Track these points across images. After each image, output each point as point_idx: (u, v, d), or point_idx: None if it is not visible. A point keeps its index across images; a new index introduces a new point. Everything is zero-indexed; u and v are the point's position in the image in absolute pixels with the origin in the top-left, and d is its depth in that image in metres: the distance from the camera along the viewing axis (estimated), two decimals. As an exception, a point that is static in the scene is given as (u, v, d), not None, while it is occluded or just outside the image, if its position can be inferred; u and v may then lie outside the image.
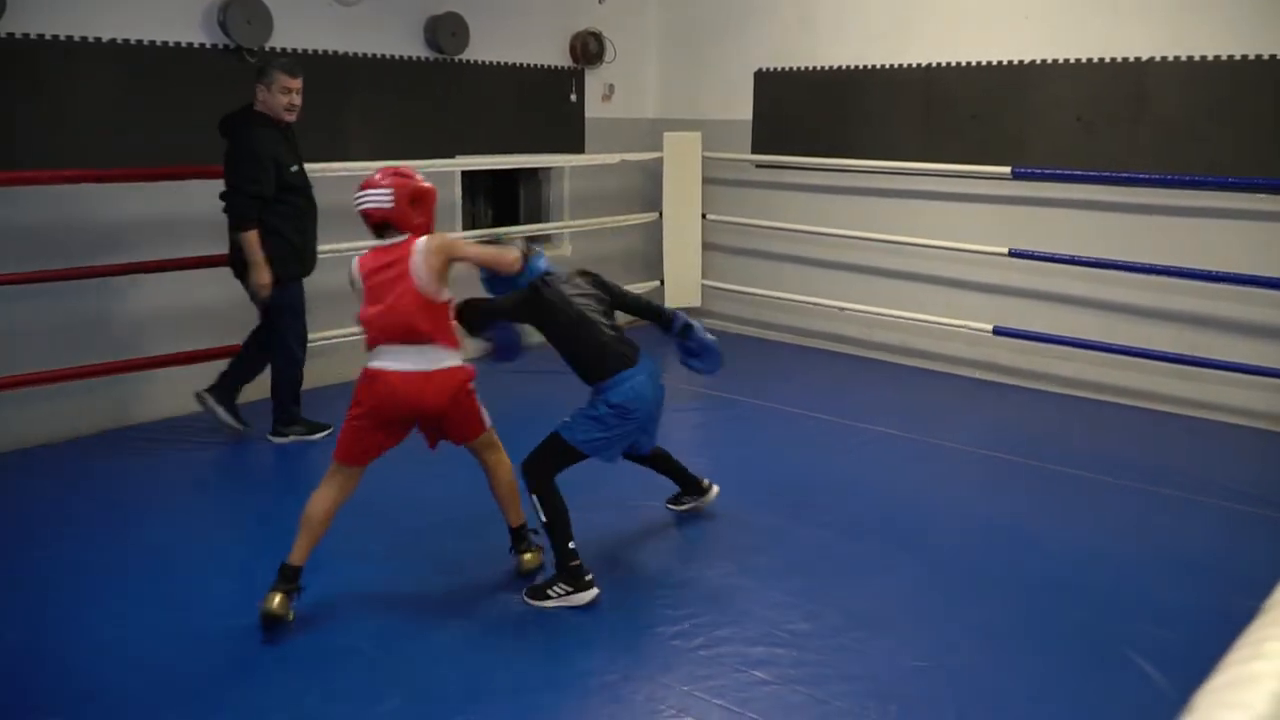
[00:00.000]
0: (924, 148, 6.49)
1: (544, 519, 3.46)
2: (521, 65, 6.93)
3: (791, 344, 7.34)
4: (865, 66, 6.76)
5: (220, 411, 4.99)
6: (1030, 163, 6.02)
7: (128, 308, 5.22)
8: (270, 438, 5.04)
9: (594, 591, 3.42)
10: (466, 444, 3.52)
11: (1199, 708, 0.89)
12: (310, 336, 5.12)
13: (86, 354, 4.95)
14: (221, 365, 5.20)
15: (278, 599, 3.21)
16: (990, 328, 6.22)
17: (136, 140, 5.08)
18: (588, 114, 7.44)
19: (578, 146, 7.39)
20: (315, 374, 5.20)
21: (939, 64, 6.42)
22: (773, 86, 7.26)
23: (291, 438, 5.03)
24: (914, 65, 6.53)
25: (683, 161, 7.42)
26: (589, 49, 7.24)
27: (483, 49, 6.62)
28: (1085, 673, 3.11)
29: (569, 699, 2.97)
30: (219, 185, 4.77)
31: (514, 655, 3.17)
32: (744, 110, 7.42)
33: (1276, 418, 5.47)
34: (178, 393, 5.37)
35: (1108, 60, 5.76)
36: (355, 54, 5.97)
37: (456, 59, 6.48)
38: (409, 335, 3.25)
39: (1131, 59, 5.67)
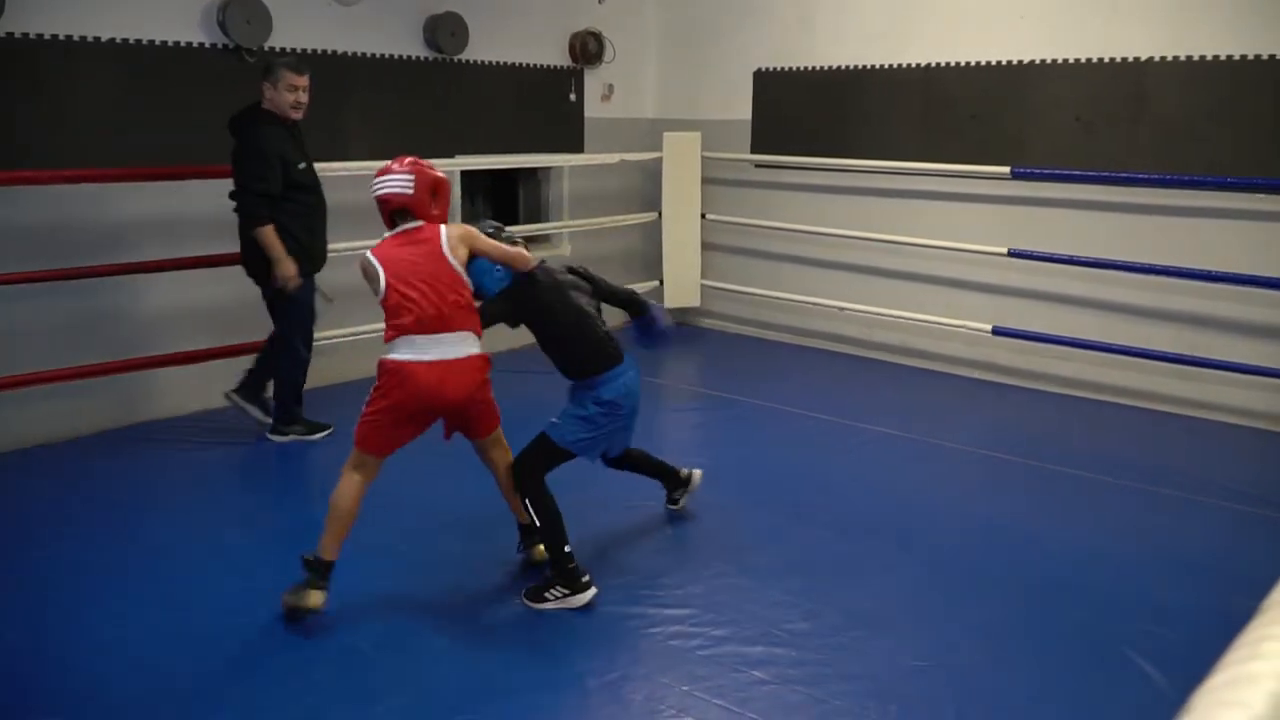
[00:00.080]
0: (923, 148, 6.49)
1: (538, 522, 3.45)
2: (521, 65, 6.93)
3: (791, 344, 7.35)
4: (864, 66, 6.76)
5: (252, 409, 5.06)
6: (1029, 163, 6.02)
7: (127, 307, 5.22)
8: (270, 437, 5.04)
9: (592, 592, 3.42)
10: (478, 440, 3.51)
11: (1197, 707, 0.89)
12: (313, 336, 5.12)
13: (86, 354, 4.95)
14: (221, 365, 5.21)
15: (316, 595, 3.22)
16: (989, 328, 6.22)
17: (136, 140, 5.08)
18: (587, 114, 7.44)
19: (577, 146, 7.39)
20: (316, 374, 5.19)
21: (938, 64, 6.42)
22: (772, 86, 7.26)
23: (291, 437, 5.03)
24: (913, 65, 6.53)
25: (682, 161, 7.43)
26: (588, 49, 7.24)
27: (482, 49, 6.62)
28: (1085, 673, 3.11)
29: (568, 699, 2.98)
30: (219, 185, 4.77)
31: (513, 655, 3.17)
32: (743, 110, 7.42)
33: (1276, 418, 5.48)
34: (177, 392, 5.38)
35: (1107, 60, 5.76)
36: (354, 54, 5.98)
37: (456, 59, 6.48)
38: (441, 320, 3.23)
39: (1131, 59, 5.68)
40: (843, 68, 6.87)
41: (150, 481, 4.59)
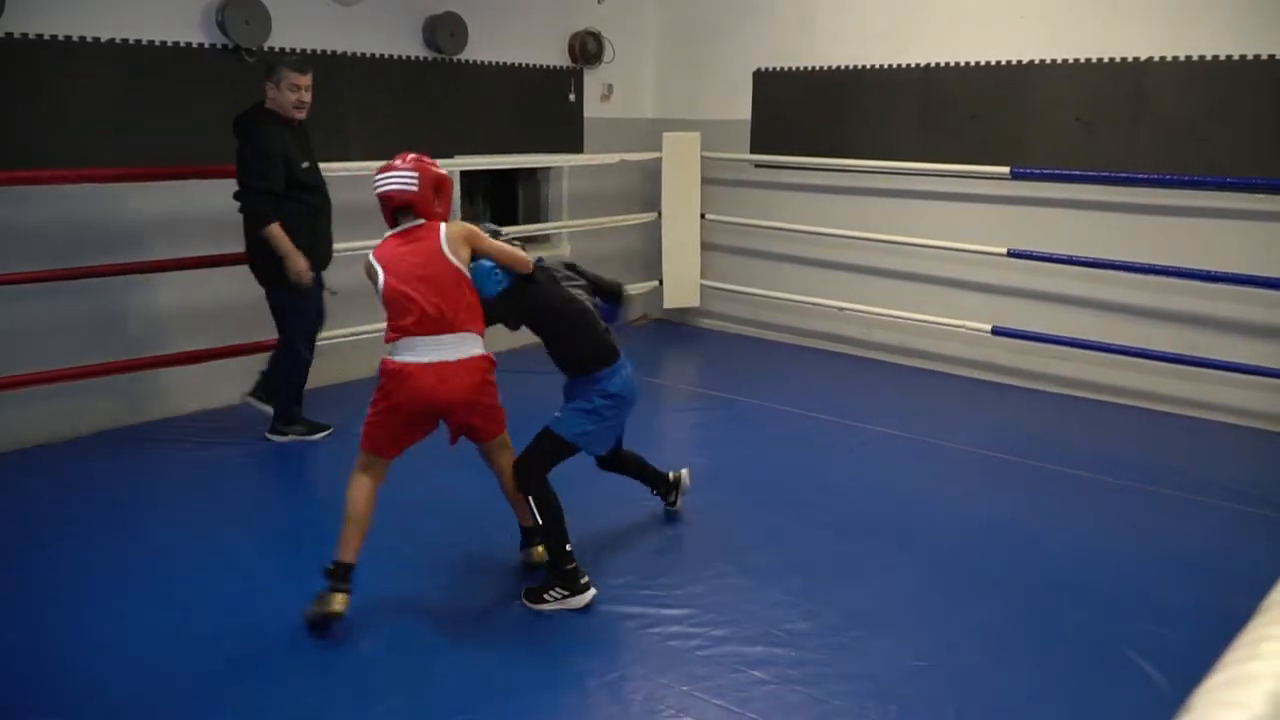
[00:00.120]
0: (923, 148, 6.50)
1: (540, 522, 3.44)
2: (520, 65, 6.93)
3: (790, 344, 7.35)
4: (864, 66, 6.76)
5: (269, 410, 5.07)
6: (1029, 163, 6.02)
7: (127, 308, 5.22)
8: (270, 437, 5.05)
9: (591, 593, 3.42)
10: (484, 445, 3.49)
11: (1196, 707, 0.90)
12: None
13: (86, 354, 4.95)
14: (222, 365, 5.22)
15: (339, 599, 3.21)
16: (989, 328, 6.22)
17: (136, 140, 5.08)
18: (586, 114, 7.44)
19: (576, 146, 7.39)
20: (316, 374, 5.19)
21: (938, 64, 6.42)
22: (771, 86, 7.26)
23: (291, 437, 5.03)
24: (913, 65, 6.53)
25: (681, 161, 7.42)
26: (588, 49, 7.24)
27: (481, 49, 6.62)
28: (1085, 673, 3.12)
29: (568, 699, 2.98)
30: (220, 185, 4.77)
31: (513, 656, 3.17)
32: (743, 110, 7.42)
33: (1276, 418, 5.48)
34: (177, 392, 5.38)
35: (1107, 60, 5.76)
36: (354, 54, 5.98)
37: (455, 59, 6.48)
38: (442, 322, 3.22)
39: (1131, 59, 5.68)
40: (842, 68, 6.87)
41: (150, 481, 4.59)
